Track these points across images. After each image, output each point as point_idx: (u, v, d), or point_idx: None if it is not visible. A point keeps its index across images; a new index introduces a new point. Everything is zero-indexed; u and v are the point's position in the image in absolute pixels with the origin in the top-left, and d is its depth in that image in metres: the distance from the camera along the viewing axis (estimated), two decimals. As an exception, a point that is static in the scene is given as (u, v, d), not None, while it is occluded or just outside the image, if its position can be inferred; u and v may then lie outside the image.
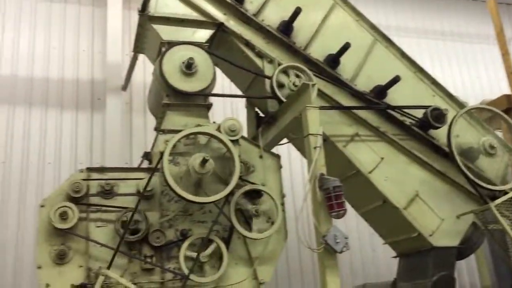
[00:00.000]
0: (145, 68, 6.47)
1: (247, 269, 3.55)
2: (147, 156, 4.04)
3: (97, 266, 3.27)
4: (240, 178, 3.54)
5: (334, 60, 4.37)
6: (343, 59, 4.37)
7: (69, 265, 3.26)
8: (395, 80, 4.35)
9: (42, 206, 3.34)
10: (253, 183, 3.70)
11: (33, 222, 5.54)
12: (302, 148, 4.02)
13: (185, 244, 3.39)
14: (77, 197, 3.37)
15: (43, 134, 6.07)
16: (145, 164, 4.12)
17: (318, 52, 4.41)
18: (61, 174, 5.88)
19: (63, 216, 3.27)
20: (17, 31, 6.40)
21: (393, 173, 4.20)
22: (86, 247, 3.32)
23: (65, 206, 3.29)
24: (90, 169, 3.52)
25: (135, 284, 3.21)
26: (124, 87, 6.36)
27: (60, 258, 3.24)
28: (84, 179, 3.44)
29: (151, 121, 5.99)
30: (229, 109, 6.76)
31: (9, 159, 5.85)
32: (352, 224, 6.38)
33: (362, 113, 4.32)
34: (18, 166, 5.86)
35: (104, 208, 3.43)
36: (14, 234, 5.60)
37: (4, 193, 5.71)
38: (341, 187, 3.28)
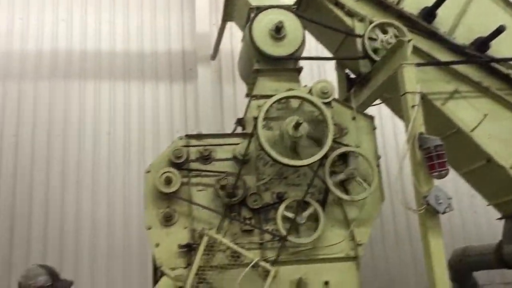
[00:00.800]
0: (232, 37, 6.58)
1: (344, 231, 3.56)
2: (240, 122, 4.14)
3: (200, 227, 3.45)
4: (334, 140, 3.51)
5: (429, 13, 4.12)
6: (439, 11, 4.11)
7: (175, 226, 3.47)
8: (499, 30, 4.02)
9: (147, 172, 3.57)
10: (346, 145, 3.67)
11: (136, 186, 6.00)
12: (397, 108, 3.90)
13: (282, 206, 3.47)
14: (179, 163, 3.55)
15: (141, 106, 6.44)
16: (239, 130, 4.22)
17: (412, 5, 4.19)
18: (160, 142, 6.24)
19: (167, 181, 3.47)
20: (112, 10, 6.76)
21: (498, 130, 3.94)
22: (190, 210, 3.51)
23: (169, 172, 3.48)
24: (189, 136, 3.68)
25: (236, 244, 3.35)
26: (213, 57, 6.52)
27: (167, 220, 3.46)
28: (184, 146, 3.61)
29: (240, 88, 6.14)
30: (316, 72, 6.70)
31: (113, 131, 6.30)
32: (449, 185, 6.13)
33: (462, 68, 4.07)
34: (121, 136, 6.31)
35: (203, 172, 3.59)
36: (121, 197, 6.09)
37: (110, 161, 6.19)
38: (442, 146, 3.15)
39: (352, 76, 4.53)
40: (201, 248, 3.24)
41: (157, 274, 3.67)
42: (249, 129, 3.67)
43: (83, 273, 5.73)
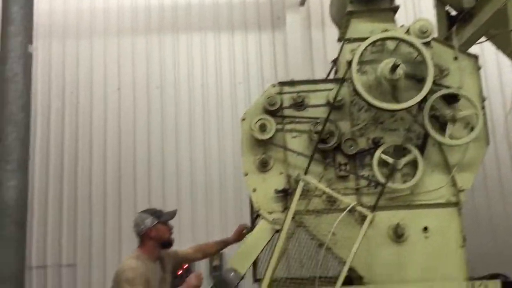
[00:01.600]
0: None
1: (444, 177, 3.44)
2: (335, 62, 4.07)
3: (296, 173, 3.51)
4: (434, 82, 3.33)
5: None
6: None
7: (271, 172, 3.55)
8: None
9: (243, 119, 3.65)
10: (447, 87, 3.47)
11: (229, 134, 6.28)
12: (504, 45, 3.58)
13: (378, 152, 3.41)
14: (273, 110, 3.59)
15: (231, 56, 6.55)
16: (333, 76, 4.15)
17: None
18: (250, 91, 6.35)
19: (262, 128, 3.53)
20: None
21: None
22: (285, 156, 3.57)
23: (263, 119, 3.54)
24: (282, 83, 3.68)
25: (332, 190, 3.37)
26: (302, 2, 6.37)
27: (263, 166, 3.55)
28: (277, 93, 3.63)
29: (330, 34, 5.99)
30: (411, 11, 6.35)
31: (206, 81, 6.50)
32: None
33: None
34: (213, 87, 6.50)
35: (297, 119, 3.61)
36: (216, 144, 6.36)
37: (204, 111, 6.44)
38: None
39: (453, 13, 4.22)
40: (297, 193, 3.30)
41: (255, 217, 3.83)
42: (342, 74, 3.59)
43: (183, 217, 6.15)
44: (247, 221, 4.50)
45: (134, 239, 3.61)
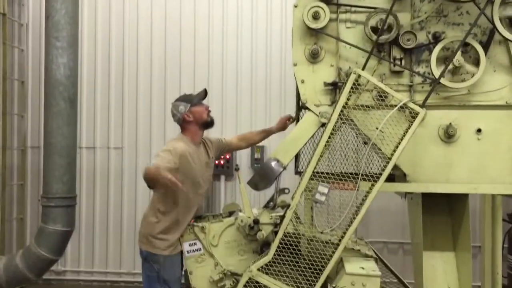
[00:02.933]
0: None
1: (508, 77, 3.22)
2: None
3: (347, 66, 3.37)
4: (510, -29, 2.99)
5: None
6: None
7: (321, 64, 3.42)
8: None
9: (295, 6, 3.45)
10: (526, -22, 3.12)
11: (278, 21, 6.11)
12: None
13: (438, 47, 3.19)
14: (328, -3, 3.36)
15: None
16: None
17: None
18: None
19: (315, 16, 3.34)
20: None
21: None
22: (337, 48, 3.40)
23: (317, 6, 3.34)
24: (340, -32, 3.41)
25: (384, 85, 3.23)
26: None
27: (313, 57, 3.41)
28: (334, -22, 3.37)
29: None
30: None
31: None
32: None
33: None
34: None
35: (353, 8, 3.38)
36: (263, 31, 6.19)
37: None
38: None
39: None
40: (348, 86, 3.17)
41: (300, 108, 3.78)
42: (407, -41, 3.27)
43: (228, 107, 6.20)
44: (290, 112, 4.49)
45: (177, 127, 3.67)
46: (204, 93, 3.74)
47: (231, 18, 6.22)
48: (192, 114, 3.60)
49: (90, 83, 6.39)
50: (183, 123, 3.64)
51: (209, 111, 3.71)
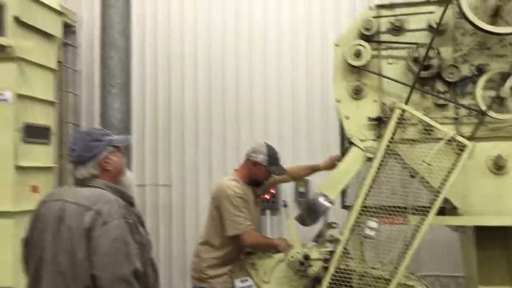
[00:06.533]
0: None
1: (556, 107, 3.19)
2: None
3: (390, 101, 3.42)
4: (553, 2, 3.01)
5: None
6: None
7: (365, 100, 3.49)
8: None
9: (336, 45, 3.56)
10: None
11: (318, 59, 6.17)
12: None
13: (482, 79, 3.21)
14: (368, 35, 3.45)
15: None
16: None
17: None
18: (340, 15, 6.12)
19: (357, 54, 3.43)
20: None
21: None
22: (379, 83, 3.47)
23: (358, 44, 3.43)
24: (379, 6, 3.51)
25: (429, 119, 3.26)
26: None
27: (356, 93, 3.49)
28: (374, 17, 3.47)
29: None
30: None
31: (295, 11, 6.34)
32: None
33: None
34: (302, 12, 6.32)
35: (395, 44, 3.46)
36: (303, 69, 6.26)
37: (292, 35, 6.32)
38: None
39: None
40: (393, 121, 3.22)
41: (345, 144, 3.84)
42: (448, -5, 3.33)
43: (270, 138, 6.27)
44: (334, 149, 4.55)
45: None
46: (284, 172, 3.89)
47: (271, 58, 6.37)
48: (260, 170, 3.75)
49: (139, 126, 6.61)
50: (248, 163, 3.77)
51: (267, 179, 3.85)
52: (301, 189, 6.14)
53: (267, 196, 6.08)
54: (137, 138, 6.61)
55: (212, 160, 6.45)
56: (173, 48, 6.63)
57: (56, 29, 4.63)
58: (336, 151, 4.47)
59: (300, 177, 4.40)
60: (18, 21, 4.20)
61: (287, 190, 6.20)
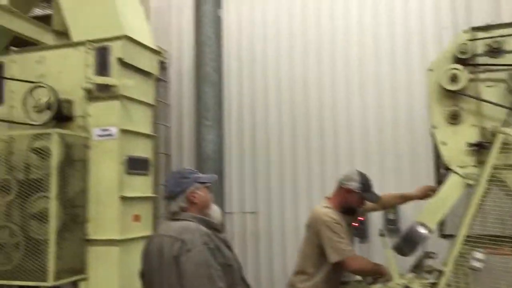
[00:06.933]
0: None
1: None
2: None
3: (491, 125, 3.29)
4: None
5: None
6: None
7: (463, 125, 3.38)
8: None
9: (430, 70, 3.51)
10: None
11: (402, 86, 6.13)
12: None
13: None
14: (464, 59, 3.37)
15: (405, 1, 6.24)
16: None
17: None
18: (426, 40, 6.00)
19: (453, 78, 3.35)
20: None
21: None
22: (478, 107, 3.35)
23: (454, 68, 3.35)
24: (475, 29, 3.42)
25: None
26: None
27: (453, 118, 3.39)
28: (469, 40, 3.38)
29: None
30: None
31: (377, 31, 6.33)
32: None
33: None
34: (385, 38, 6.29)
35: (493, 67, 3.34)
36: (389, 96, 6.23)
37: (376, 64, 6.30)
38: None
39: None
40: (496, 147, 3.09)
41: (440, 171, 3.72)
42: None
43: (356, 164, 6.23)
44: (423, 180, 4.40)
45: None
46: (377, 200, 3.85)
47: (355, 87, 6.37)
48: (352, 198, 3.73)
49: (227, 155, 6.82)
50: (341, 190, 3.76)
51: (361, 207, 3.83)
52: (391, 216, 6.00)
53: (356, 224, 5.99)
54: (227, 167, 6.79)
55: (298, 189, 6.50)
56: (258, 82, 6.81)
57: (153, 67, 4.96)
58: (425, 182, 4.32)
59: (391, 205, 4.30)
60: (121, 62, 4.56)
61: (376, 216, 6.08)
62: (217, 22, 4.87)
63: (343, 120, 6.40)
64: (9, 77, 4.76)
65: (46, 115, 4.47)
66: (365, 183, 3.75)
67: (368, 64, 6.34)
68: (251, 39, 6.85)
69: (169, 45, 7.22)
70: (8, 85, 4.81)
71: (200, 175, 2.82)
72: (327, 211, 3.66)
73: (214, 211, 3.17)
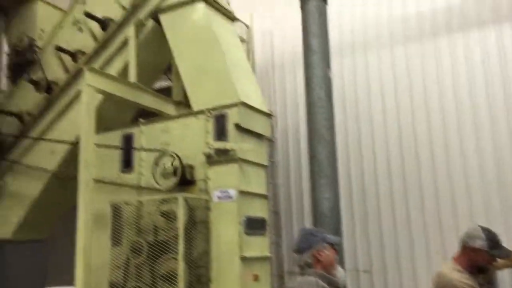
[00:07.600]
0: None
1: None
2: None
3: None
4: None
5: None
6: None
7: None
8: None
9: None
10: None
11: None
12: None
13: None
14: None
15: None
16: None
17: None
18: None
19: None
20: None
21: None
22: None
23: None
24: None
25: None
26: None
27: None
28: None
29: None
30: None
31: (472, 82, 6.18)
32: None
33: None
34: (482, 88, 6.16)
35: None
36: (490, 146, 6.04)
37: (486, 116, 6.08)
38: None
39: None
40: None
41: None
42: None
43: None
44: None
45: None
46: (510, 255, 3.66)
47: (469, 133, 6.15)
48: (481, 256, 3.53)
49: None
50: (466, 250, 3.58)
51: (493, 264, 3.63)
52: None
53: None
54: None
55: (414, 246, 6.25)
56: (364, 139, 6.82)
57: (266, 129, 5.18)
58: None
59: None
60: (238, 127, 4.83)
61: (505, 275, 5.64)
62: (328, 83, 5.04)
63: (459, 178, 6.17)
64: (138, 147, 5.21)
65: (173, 181, 4.80)
66: (492, 239, 3.51)
67: (483, 118, 6.15)
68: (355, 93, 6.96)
69: (274, 106, 7.52)
70: (137, 154, 5.27)
71: (328, 235, 2.98)
72: (459, 276, 3.45)
73: (339, 271, 3.22)
